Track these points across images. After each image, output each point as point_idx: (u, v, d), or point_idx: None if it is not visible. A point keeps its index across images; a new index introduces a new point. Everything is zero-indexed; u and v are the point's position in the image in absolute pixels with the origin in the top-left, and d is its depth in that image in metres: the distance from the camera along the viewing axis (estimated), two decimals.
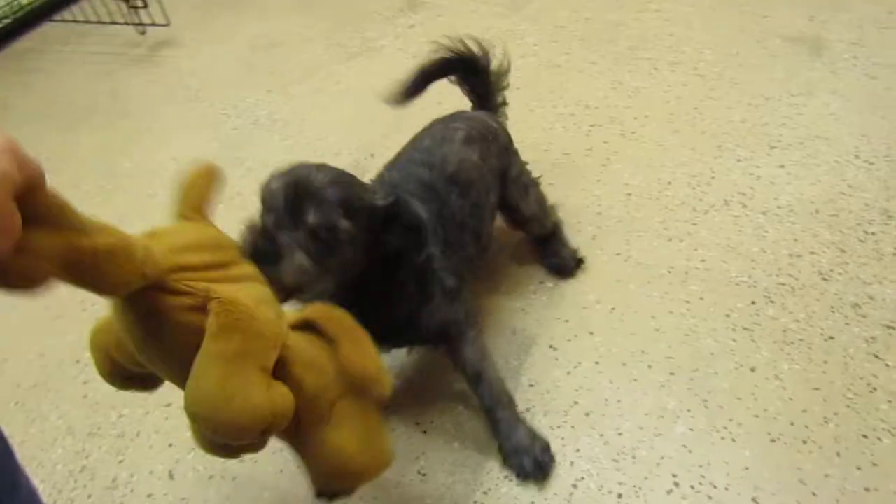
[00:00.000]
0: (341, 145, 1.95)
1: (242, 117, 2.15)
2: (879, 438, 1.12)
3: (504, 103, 1.47)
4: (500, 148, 1.34)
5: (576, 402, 1.24)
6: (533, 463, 1.15)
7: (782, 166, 1.63)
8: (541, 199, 1.45)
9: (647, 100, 1.90)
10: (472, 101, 1.46)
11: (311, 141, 1.99)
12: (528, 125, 1.83)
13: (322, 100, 2.17)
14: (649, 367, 1.28)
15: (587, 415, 1.22)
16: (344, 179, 0.97)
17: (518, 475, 1.16)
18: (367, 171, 1.83)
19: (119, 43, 2.71)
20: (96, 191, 1.98)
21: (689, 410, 1.20)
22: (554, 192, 1.55)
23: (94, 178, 2.04)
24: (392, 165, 1.30)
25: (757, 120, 1.77)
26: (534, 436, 1.17)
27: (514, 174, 1.37)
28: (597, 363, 1.30)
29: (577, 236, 1.53)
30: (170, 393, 1.37)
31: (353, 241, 0.93)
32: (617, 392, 1.25)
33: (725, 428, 1.17)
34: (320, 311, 0.85)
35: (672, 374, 1.26)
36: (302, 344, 0.80)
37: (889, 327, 1.27)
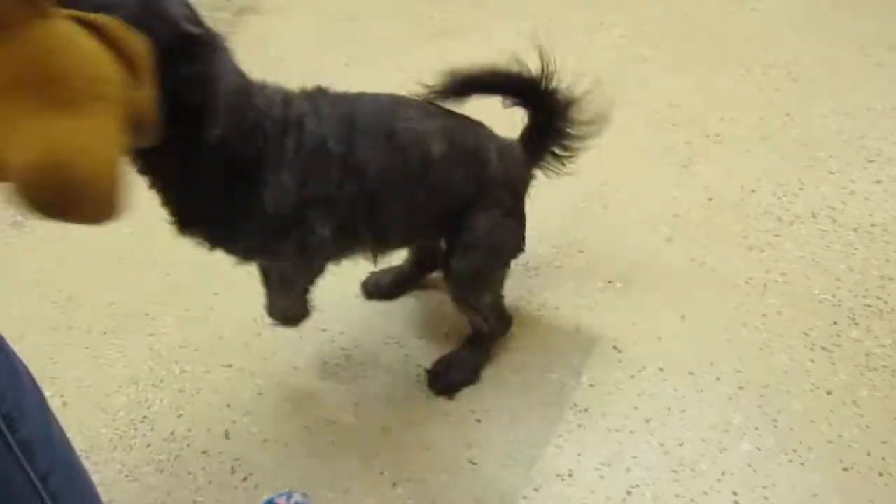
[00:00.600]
0: None
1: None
2: None
3: (562, 153, 1.21)
4: (483, 177, 1.13)
5: (636, 408, 1.20)
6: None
7: (879, 182, 1.54)
8: (485, 280, 1.19)
9: (736, 102, 1.82)
10: (523, 135, 1.22)
11: None
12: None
13: (399, 78, 2.16)
14: (717, 379, 1.23)
15: (647, 421, 1.18)
16: None
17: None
18: None
19: (202, 7, 2.75)
20: None
21: (756, 428, 1.15)
22: (629, 190, 1.50)
23: None
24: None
25: (854, 132, 1.68)
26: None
27: (473, 222, 1.13)
28: (661, 369, 1.26)
29: (651, 237, 1.48)
30: (233, 354, 1.40)
31: None
32: (681, 401, 1.20)
33: (795, 451, 1.12)
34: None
35: (741, 388, 1.21)
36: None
37: None
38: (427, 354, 1.34)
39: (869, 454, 1.10)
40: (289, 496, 1.09)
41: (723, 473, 1.10)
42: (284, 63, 2.34)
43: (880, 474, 1.07)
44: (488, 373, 1.30)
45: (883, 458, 1.09)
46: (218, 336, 1.46)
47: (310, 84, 1.16)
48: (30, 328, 1.55)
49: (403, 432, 1.23)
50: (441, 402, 1.27)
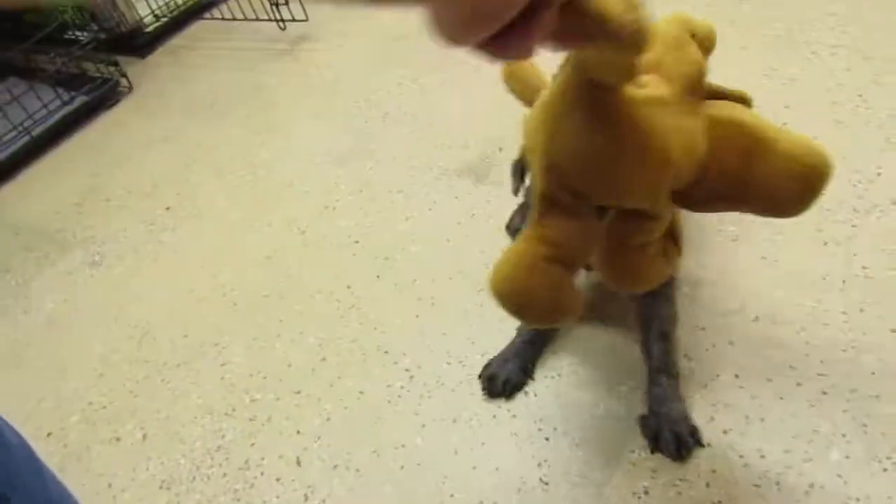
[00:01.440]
0: (469, 138, 1.92)
1: (374, 110, 2.18)
2: None
3: None
4: None
5: (712, 418, 1.15)
6: (673, 437, 1.10)
7: None
8: None
9: (805, 87, 1.73)
10: None
11: (438, 134, 1.99)
12: None
13: (451, 92, 2.16)
14: (798, 384, 1.16)
15: (725, 433, 1.13)
16: None
17: (653, 444, 1.12)
18: (495, 164, 1.81)
19: (262, 38, 2.84)
20: (238, 180, 2.09)
21: (844, 435, 1.08)
22: None
23: (237, 167, 2.15)
24: None
25: None
26: (687, 415, 1.12)
27: None
28: (737, 377, 1.20)
29: (717, 237, 1.42)
30: (300, 380, 1.43)
31: None
32: (760, 410, 1.14)
33: (889, 458, 1.04)
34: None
35: (825, 393, 1.14)
36: None
37: None
38: None
39: None
40: None
41: (811, 486, 1.04)
42: (339, 87, 2.38)
43: None
44: (553, 387, 1.28)
45: None
46: (286, 363, 1.49)
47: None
48: (109, 364, 1.62)
49: (471, 453, 1.22)
50: (507, 421, 1.25)
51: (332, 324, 1.54)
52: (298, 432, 1.35)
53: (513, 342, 1.33)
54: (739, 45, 1.95)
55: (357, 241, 1.73)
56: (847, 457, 1.06)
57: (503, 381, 1.28)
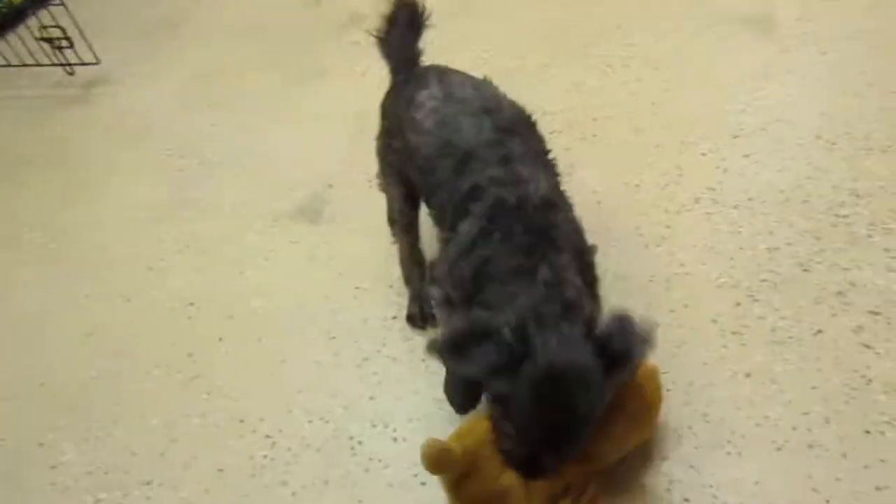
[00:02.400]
0: (296, 178, 1.87)
1: (188, 156, 2.05)
2: (882, 432, 1.11)
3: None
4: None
5: None
6: None
7: (747, 156, 1.62)
8: None
9: (605, 99, 1.87)
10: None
11: (264, 176, 1.91)
12: None
13: (271, 131, 2.08)
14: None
15: None
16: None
17: None
18: (328, 202, 1.77)
19: (49, 84, 2.56)
20: (38, 248, 1.87)
21: (690, 427, 1.18)
22: None
23: (35, 233, 1.92)
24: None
25: (716, 109, 1.75)
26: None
27: None
28: None
29: None
30: (149, 469, 1.30)
31: None
32: None
33: (730, 441, 1.15)
34: None
35: (668, 389, 1.23)
36: None
37: (874, 313, 1.27)
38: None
39: (795, 428, 1.14)
40: None
41: (671, 482, 1.11)
42: (145, 133, 2.20)
43: (810, 446, 1.11)
44: (421, 431, 1.26)
45: (809, 430, 1.13)
46: (129, 452, 1.35)
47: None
48: None
49: None
50: (381, 472, 1.22)
51: (177, 400, 1.42)
52: None
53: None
54: (543, 62, 2.07)
55: (192, 304, 1.61)
56: (696, 447, 1.15)
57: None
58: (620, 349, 0.91)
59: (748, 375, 1.22)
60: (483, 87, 1.26)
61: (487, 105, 1.19)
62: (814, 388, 1.19)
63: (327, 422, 1.31)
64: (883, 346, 1.22)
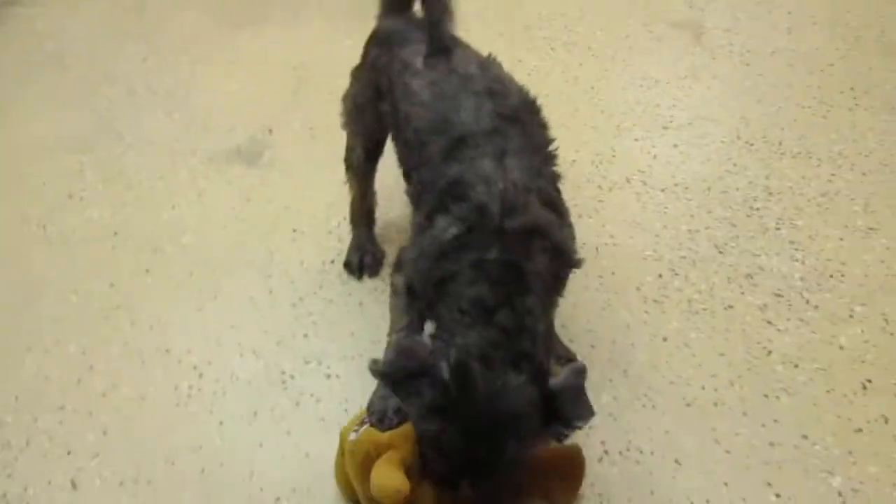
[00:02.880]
0: (235, 121, 1.83)
1: (117, 87, 1.96)
2: (778, 397, 1.23)
3: None
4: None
5: None
6: None
7: (676, 146, 1.73)
8: None
9: (547, 80, 1.94)
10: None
11: (198, 115, 1.85)
12: None
13: (203, 72, 2.02)
14: (570, 340, 1.32)
15: None
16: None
17: None
18: (268, 147, 1.74)
19: None
20: None
21: (611, 380, 1.26)
22: None
23: None
24: None
25: (650, 101, 1.86)
26: None
27: None
28: None
29: None
30: (62, 396, 1.25)
31: None
32: None
33: (645, 395, 1.23)
34: None
35: (593, 346, 1.31)
36: None
37: (777, 295, 1.39)
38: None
39: (703, 388, 1.24)
40: None
41: (590, 427, 1.19)
42: (68, 60, 2.08)
43: (715, 404, 1.22)
44: (356, 368, 1.28)
45: (715, 389, 1.24)
46: (42, 378, 1.29)
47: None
48: None
49: (277, 444, 1.18)
50: (313, 406, 1.22)
51: (96, 328, 1.36)
52: (69, 453, 1.18)
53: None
54: (488, 38, 2.11)
55: (116, 233, 1.55)
56: (615, 398, 1.23)
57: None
58: (567, 411, 0.88)
59: (665, 339, 1.32)
60: (489, 67, 1.17)
61: (493, 87, 1.10)
62: (721, 354, 1.29)
63: (258, 357, 1.30)
64: (784, 324, 1.34)
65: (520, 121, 1.08)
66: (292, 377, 1.27)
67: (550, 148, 1.11)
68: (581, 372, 0.90)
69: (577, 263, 1.06)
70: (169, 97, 1.92)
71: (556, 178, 1.10)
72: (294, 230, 1.53)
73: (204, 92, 1.93)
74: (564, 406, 0.88)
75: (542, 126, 1.14)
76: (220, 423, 1.21)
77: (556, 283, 1.04)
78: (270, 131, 1.79)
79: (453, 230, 0.97)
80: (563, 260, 1.03)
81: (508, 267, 0.94)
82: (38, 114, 1.90)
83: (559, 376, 0.90)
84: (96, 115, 1.87)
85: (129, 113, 1.88)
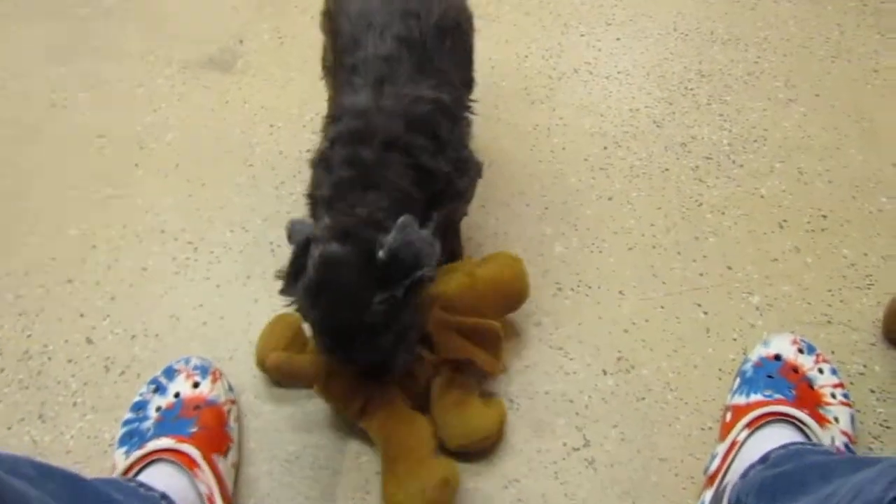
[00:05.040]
0: (205, 31, 1.92)
1: (91, 5, 2.02)
2: (707, 238, 1.41)
3: None
4: None
5: (470, 238, 1.42)
6: None
7: (618, 39, 1.88)
8: None
9: None
10: None
11: (171, 28, 1.94)
12: None
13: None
14: (527, 205, 1.48)
15: (480, 246, 1.40)
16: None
17: None
18: (240, 56, 1.85)
19: None
20: None
21: (563, 234, 1.42)
22: None
23: None
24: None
25: (594, 2, 2.00)
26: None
27: None
28: (484, 206, 1.48)
29: None
30: (69, 270, 1.37)
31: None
32: (501, 226, 1.44)
33: (593, 244, 1.41)
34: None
35: (547, 208, 1.47)
36: None
37: (707, 158, 1.57)
38: None
39: (643, 235, 1.42)
40: (187, 361, 1.14)
41: (546, 271, 1.36)
42: None
43: (653, 247, 1.40)
44: None
45: (654, 236, 1.41)
46: (48, 258, 1.41)
47: None
48: None
49: (270, 301, 1.32)
50: None
51: (96, 214, 1.49)
52: (81, 315, 1.32)
53: None
54: None
55: (102, 136, 1.65)
56: (566, 248, 1.40)
57: None
58: (407, 261, 0.93)
59: (610, 199, 1.49)
60: None
61: (410, 6, 1.10)
62: (659, 208, 1.47)
63: (247, 231, 1.44)
64: (713, 181, 1.52)
65: (424, 46, 1.08)
66: (279, 246, 1.41)
67: (455, 74, 1.15)
68: (404, 227, 0.94)
69: (457, 189, 1.15)
70: (142, 12, 2.00)
71: (447, 104, 1.10)
72: (271, 125, 1.65)
73: (175, 6, 2.01)
74: (405, 259, 0.93)
75: (456, 50, 1.16)
76: (217, 285, 1.36)
77: (426, 195, 1.07)
78: (241, 42, 1.89)
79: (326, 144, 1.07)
80: (433, 180, 1.07)
81: (365, 167, 1.02)
82: (9, 25, 1.96)
83: (386, 243, 0.94)
84: (72, 29, 1.94)
85: (104, 28, 1.95)
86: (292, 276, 1.00)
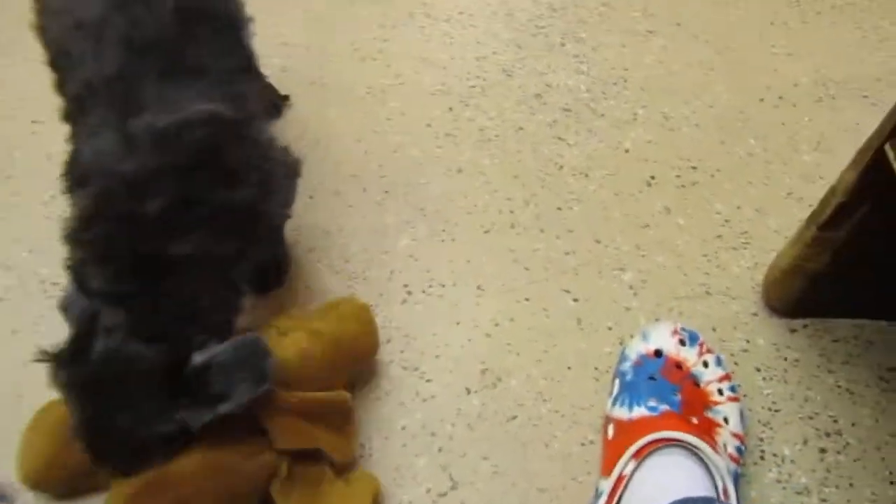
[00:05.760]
0: None
1: None
2: (571, 207, 1.24)
3: None
4: None
5: (296, 242, 1.18)
6: None
7: None
8: None
9: None
10: None
11: None
12: None
13: None
14: (364, 190, 1.25)
15: (311, 251, 1.17)
16: None
17: None
18: None
19: None
20: None
21: (408, 222, 1.21)
22: None
23: None
24: None
25: None
26: None
27: None
28: (311, 198, 1.23)
29: (265, 70, 1.39)
30: None
31: None
32: (337, 221, 1.21)
33: (444, 230, 1.20)
34: None
35: (387, 191, 1.25)
36: None
37: (565, 110, 1.38)
38: None
39: (500, 212, 1.23)
40: None
41: (391, 272, 1.15)
42: None
43: (512, 226, 1.21)
44: None
45: (511, 212, 1.23)
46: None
47: None
48: None
49: None
50: None
51: None
52: None
53: None
54: None
55: None
56: (414, 239, 1.19)
57: None
58: (213, 386, 0.73)
59: (460, 171, 1.28)
60: None
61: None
62: (515, 177, 1.28)
63: (10, 268, 1.13)
64: (573, 138, 1.34)
65: (167, 42, 0.77)
66: (54, 284, 1.12)
67: (225, 63, 0.83)
68: (247, 345, 0.75)
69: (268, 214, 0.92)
70: None
71: (227, 117, 0.79)
72: (34, 122, 1.32)
73: None
74: (212, 381, 0.72)
75: (217, 31, 0.84)
76: None
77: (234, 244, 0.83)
78: None
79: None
80: (237, 221, 0.82)
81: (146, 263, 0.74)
82: None
83: (213, 353, 0.73)
84: None
85: None
86: (68, 361, 0.73)
